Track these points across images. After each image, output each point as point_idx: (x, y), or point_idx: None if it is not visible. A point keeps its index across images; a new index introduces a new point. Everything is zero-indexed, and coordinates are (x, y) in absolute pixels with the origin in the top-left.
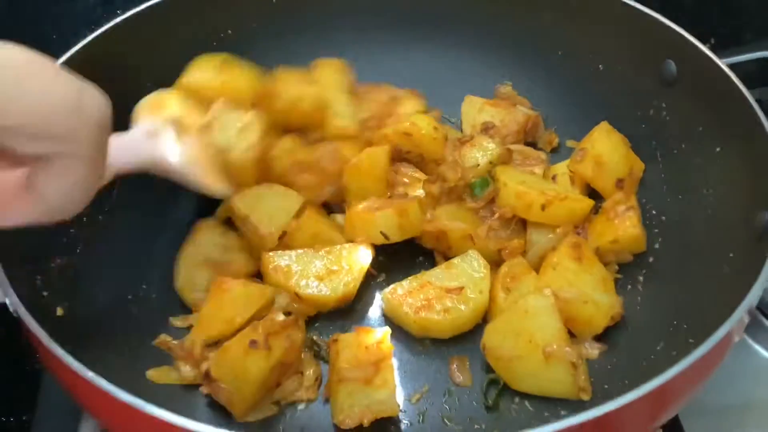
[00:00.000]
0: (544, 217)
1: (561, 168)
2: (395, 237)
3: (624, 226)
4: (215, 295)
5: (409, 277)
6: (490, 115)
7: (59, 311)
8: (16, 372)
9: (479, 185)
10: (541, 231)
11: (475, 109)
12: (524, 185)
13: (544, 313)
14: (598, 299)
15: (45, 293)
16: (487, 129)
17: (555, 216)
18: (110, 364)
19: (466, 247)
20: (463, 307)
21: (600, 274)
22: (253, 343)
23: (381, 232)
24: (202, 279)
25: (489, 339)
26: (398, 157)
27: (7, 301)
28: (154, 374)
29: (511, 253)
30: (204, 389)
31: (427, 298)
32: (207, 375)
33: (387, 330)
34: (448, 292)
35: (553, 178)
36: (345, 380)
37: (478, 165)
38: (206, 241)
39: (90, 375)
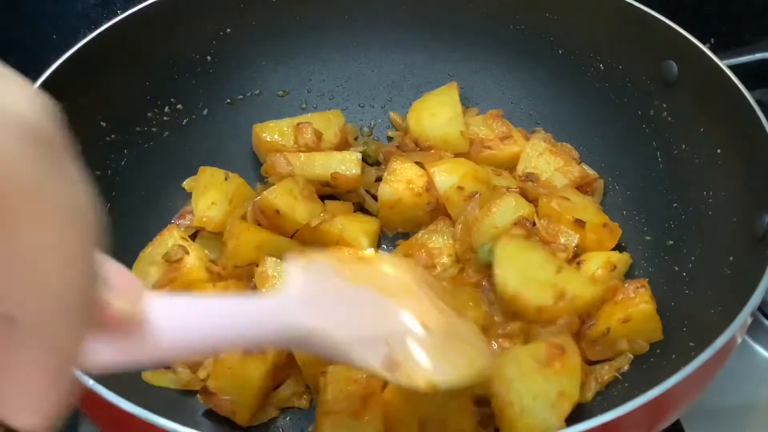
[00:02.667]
0: (542, 318)
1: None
2: None
3: (634, 302)
4: None
5: None
6: (547, 161)
7: None
8: None
9: (484, 257)
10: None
11: (536, 152)
12: (520, 281)
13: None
14: (533, 410)
15: None
16: (527, 179)
17: (554, 316)
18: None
19: None
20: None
21: (559, 388)
22: (247, 350)
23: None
24: (153, 275)
25: (391, 395)
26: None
27: None
28: (150, 376)
29: (507, 336)
30: (201, 399)
31: None
32: (206, 390)
33: None
34: None
35: (578, 263)
36: (331, 413)
37: (496, 227)
38: (170, 242)
39: (90, 383)
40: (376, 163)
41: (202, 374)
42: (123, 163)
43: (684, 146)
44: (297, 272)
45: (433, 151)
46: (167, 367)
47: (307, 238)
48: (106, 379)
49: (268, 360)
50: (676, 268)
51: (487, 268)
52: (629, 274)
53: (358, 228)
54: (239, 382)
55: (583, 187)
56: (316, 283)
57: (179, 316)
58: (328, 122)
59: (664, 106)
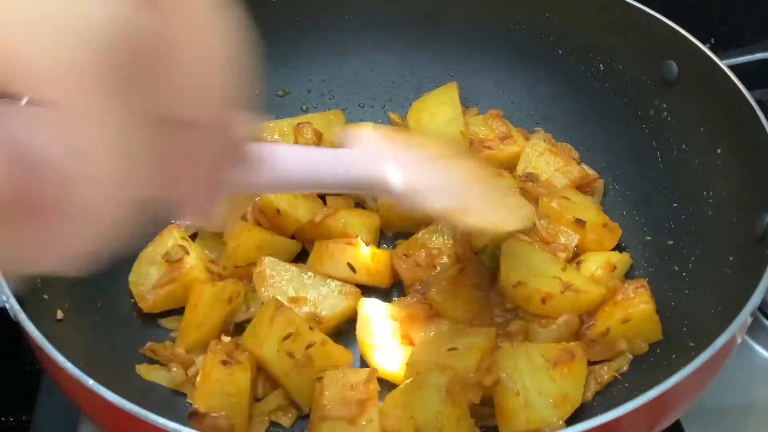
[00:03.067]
0: (545, 311)
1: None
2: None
3: (634, 302)
4: (192, 301)
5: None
6: (547, 161)
7: (59, 314)
8: (16, 372)
9: (489, 258)
10: (540, 320)
11: (536, 152)
12: (527, 273)
13: (432, 391)
14: (536, 404)
15: (45, 296)
16: (527, 179)
17: (557, 309)
18: (109, 367)
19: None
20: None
21: (564, 388)
22: (224, 362)
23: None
24: (153, 276)
25: (386, 404)
26: None
27: (7, 306)
28: (143, 370)
29: (507, 336)
30: (192, 425)
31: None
32: (195, 414)
33: (374, 370)
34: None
35: (578, 263)
36: (328, 419)
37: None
38: (170, 242)
39: (91, 383)
40: None
41: (191, 371)
42: None
43: (684, 146)
44: (360, 135)
45: None
46: (162, 364)
47: (309, 234)
48: (106, 380)
49: (245, 367)
50: (676, 268)
51: (490, 270)
52: (629, 274)
53: (360, 223)
54: (230, 391)
55: (583, 187)
56: (381, 144)
57: (282, 158)
58: (329, 122)
59: (664, 106)
